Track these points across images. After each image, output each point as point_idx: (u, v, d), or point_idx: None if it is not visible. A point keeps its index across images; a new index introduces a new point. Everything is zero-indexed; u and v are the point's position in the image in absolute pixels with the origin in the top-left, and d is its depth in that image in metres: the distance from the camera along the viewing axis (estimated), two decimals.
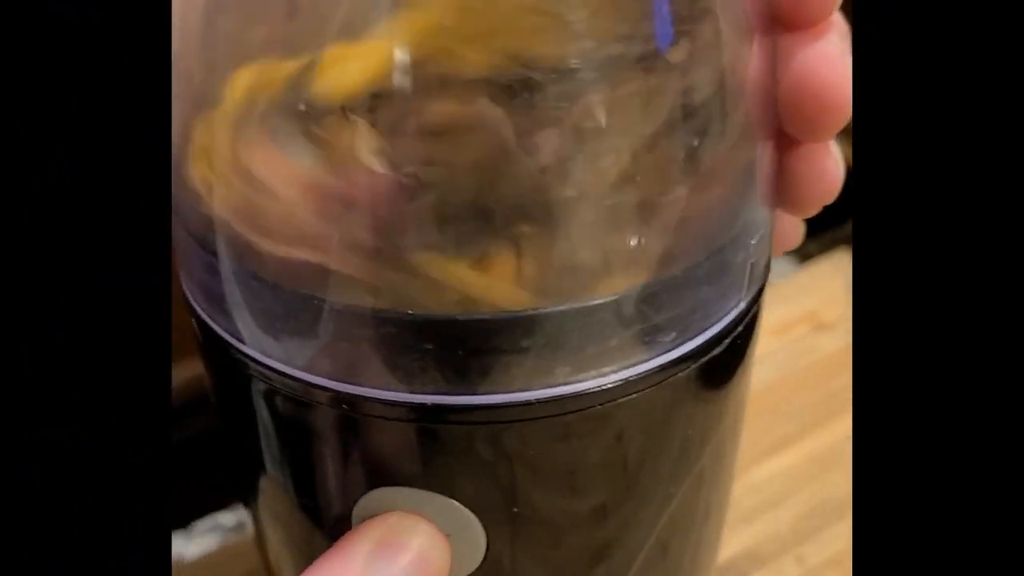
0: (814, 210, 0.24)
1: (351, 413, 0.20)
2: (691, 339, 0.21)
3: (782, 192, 0.23)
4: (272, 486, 0.24)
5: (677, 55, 0.19)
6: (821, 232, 0.56)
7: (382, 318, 0.19)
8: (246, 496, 0.26)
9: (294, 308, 0.20)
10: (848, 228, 0.52)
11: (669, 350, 0.21)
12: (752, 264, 0.22)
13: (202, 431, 0.43)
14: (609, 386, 0.20)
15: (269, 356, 0.21)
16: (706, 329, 0.21)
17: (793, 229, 0.26)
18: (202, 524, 0.42)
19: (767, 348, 0.48)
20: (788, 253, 0.56)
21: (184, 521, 0.42)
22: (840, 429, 0.44)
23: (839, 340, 0.48)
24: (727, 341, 0.22)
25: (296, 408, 0.21)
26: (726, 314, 0.22)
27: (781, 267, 0.54)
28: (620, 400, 0.21)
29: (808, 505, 0.42)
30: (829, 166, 0.23)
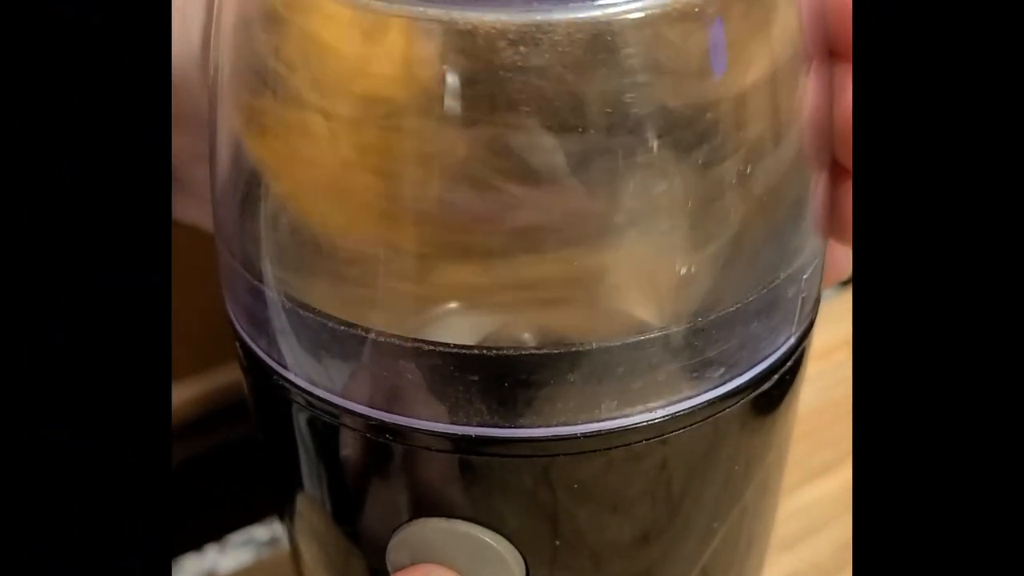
0: None
1: (394, 442, 0.20)
2: (740, 374, 0.21)
3: (834, 223, 0.23)
4: (310, 507, 0.24)
5: (731, 85, 0.19)
6: None
7: (426, 350, 0.19)
8: (283, 513, 0.26)
9: (338, 337, 0.19)
10: None
11: (717, 385, 0.20)
12: (803, 298, 0.21)
13: (236, 442, 0.43)
14: (656, 421, 0.20)
15: (311, 382, 0.21)
16: (756, 364, 0.21)
17: (844, 258, 0.26)
18: (236, 537, 0.41)
19: (808, 372, 0.48)
20: None
21: (219, 534, 0.42)
22: None
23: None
24: (776, 376, 0.21)
25: (338, 435, 0.21)
26: (776, 349, 0.21)
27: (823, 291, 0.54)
28: (667, 435, 0.20)
29: (848, 533, 0.41)
30: None
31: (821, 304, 0.53)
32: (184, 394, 0.61)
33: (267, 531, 0.42)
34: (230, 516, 0.42)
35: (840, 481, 0.43)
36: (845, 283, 0.54)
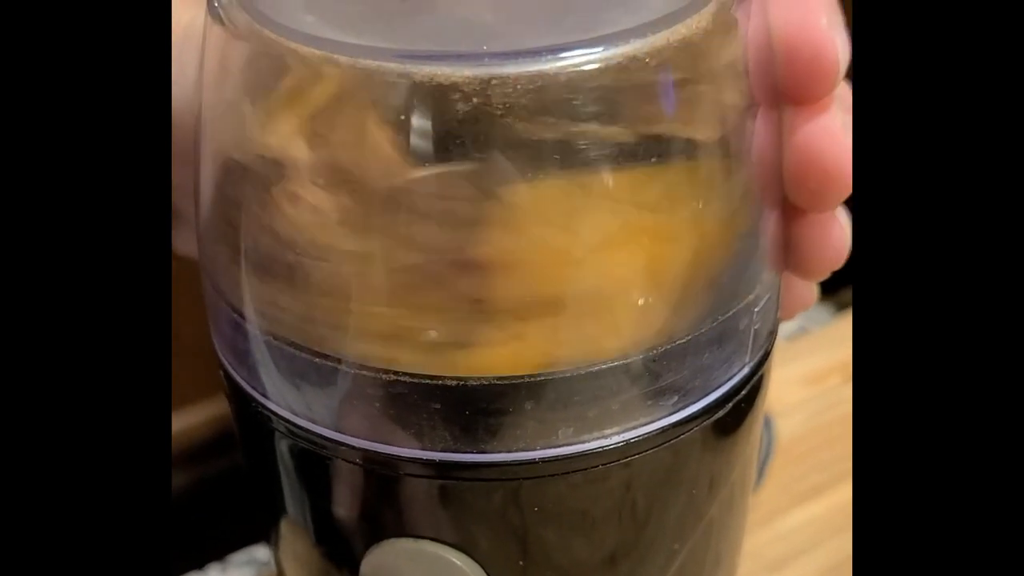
0: (822, 276, 0.24)
1: (363, 466, 0.21)
2: (694, 402, 0.22)
3: (790, 258, 0.24)
4: (291, 529, 0.25)
5: (680, 130, 0.20)
6: None
7: (393, 380, 0.20)
8: (269, 535, 0.27)
9: (310, 367, 0.21)
10: None
11: (672, 413, 0.21)
12: (756, 330, 0.22)
13: (240, 466, 0.45)
14: (613, 447, 0.21)
15: (288, 410, 0.22)
16: (709, 393, 0.22)
17: (806, 291, 0.27)
18: (238, 557, 0.43)
19: (800, 397, 0.49)
20: (825, 301, 0.56)
21: (220, 554, 0.43)
22: None
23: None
24: (730, 404, 0.22)
25: (313, 459, 0.22)
26: (730, 378, 0.22)
27: (818, 315, 0.55)
28: (624, 460, 0.21)
29: (835, 557, 0.42)
30: (835, 234, 0.23)
31: (814, 330, 0.54)
32: (192, 419, 0.63)
33: (267, 552, 0.43)
34: (232, 536, 0.43)
35: (828, 504, 0.44)
36: (840, 308, 0.55)
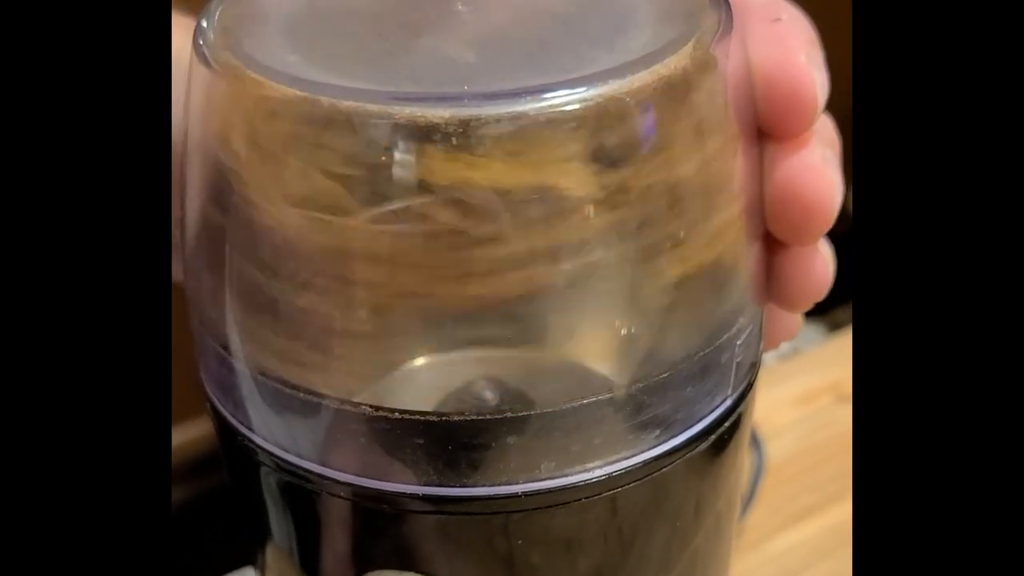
0: (805, 307, 0.25)
1: (348, 500, 0.21)
2: (676, 435, 0.22)
3: (772, 290, 0.24)
4: (277, 558, 0.25)
5: (660, 168, 0.20)
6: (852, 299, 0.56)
7: (376, 415, 0.20)
8: (256, 562, 0.27)
9: (294, 402, 0.21)
10: None
11: (654, 446, 0.22)
12: (738, 363, 0.23)
13: None
14: (595, 480, 0.21)
15: (274, 444, 0.22)
16: (692, 426, 0.22)
17: (790, 321, 0.27)
18: None
19: (790, 418, 0.49)
20: (817, 322, 0.56)
21: (220, 568, 0.43)
22: None
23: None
24: (713, 437, 0.23)
25: (298, 492, 0.22)
26: (712, 411, 0.22)
27: (809, 335, 0.55)
28: (606, 493, 0.21)
29: None
30: (817, 267, 0.23)
31: (806, 351, 0.54)
32: (191, 433, 0.63)
33: None
34: (231, 550, 0.43)
35: (818, 526, 0.44)
36: (832, 328, 0.55)
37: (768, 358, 0.53)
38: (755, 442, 0.46)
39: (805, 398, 0.50)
